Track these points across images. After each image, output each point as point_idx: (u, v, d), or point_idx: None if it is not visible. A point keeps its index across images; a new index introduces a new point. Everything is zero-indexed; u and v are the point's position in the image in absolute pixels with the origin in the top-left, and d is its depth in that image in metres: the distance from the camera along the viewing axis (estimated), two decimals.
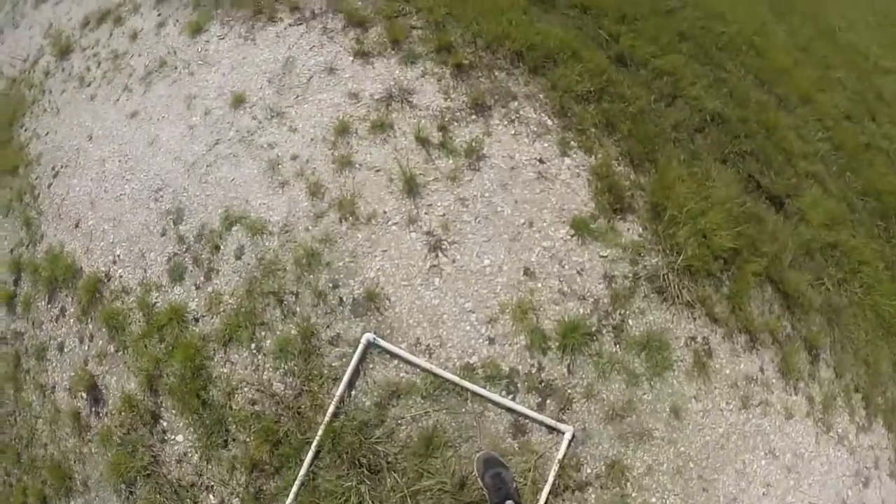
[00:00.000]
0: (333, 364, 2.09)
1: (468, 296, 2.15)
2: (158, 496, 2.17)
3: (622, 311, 2.17)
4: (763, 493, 2.15)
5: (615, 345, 2.12)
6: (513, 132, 2.51)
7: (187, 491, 2.15)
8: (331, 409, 2.01)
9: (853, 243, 2.81)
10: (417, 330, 2.11)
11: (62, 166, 3.23)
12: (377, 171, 2.40)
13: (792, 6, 4.61)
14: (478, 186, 2.35)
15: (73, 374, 2.55)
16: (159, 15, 3.43)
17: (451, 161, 2.40)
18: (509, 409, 2.01)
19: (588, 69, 2.68)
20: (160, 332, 2.34)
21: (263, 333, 2.20)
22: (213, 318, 2.29)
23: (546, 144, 2.50)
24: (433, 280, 2.18)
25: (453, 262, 2.21)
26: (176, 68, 3.09)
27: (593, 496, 1.96)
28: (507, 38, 2.68)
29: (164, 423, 2.27)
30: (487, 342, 2.08)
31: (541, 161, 2.43)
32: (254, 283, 2.27)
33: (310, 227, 2.31)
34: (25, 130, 3.67)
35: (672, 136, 2.70)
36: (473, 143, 2.43)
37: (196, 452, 2.17)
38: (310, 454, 1.98)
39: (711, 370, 2.19)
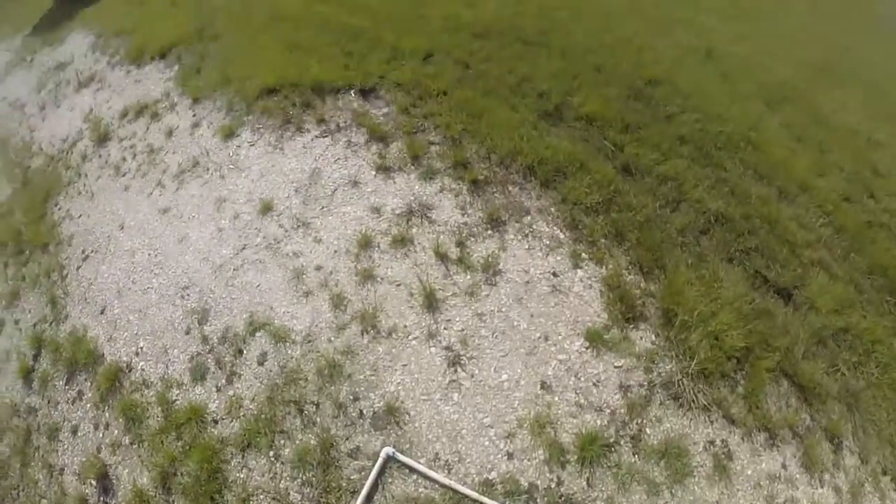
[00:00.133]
0: (352, 477, 2.10)
1: (486, 410, 2.18)
2: None
3: (639, 421, 2.18)
4: None
5: (634, 455, 2.12)
6: (527, 246, 2.62)
7: None
8: None
9: (864, 325, 2.81)
10: (437, 445, 2.13)
11: (92, 251, 3.34)
12: (398, 285, 2.49)
13: (784, 97, 4.86)
14: (495, 301, 2.44)
15: (84, 459, 2.54)
16: (194, 115, 3.67)
17: (468, 276, 2.50)
18: None
19: (596, 180, 2.83)
20: (178, 429, 2.36)
21: (283, 441, 2.21)
22: (232, 421, 2.32)
23: (559, 257, 2.60)
24: (452, 395, 2.22)
25: (472, 376, 2.26)
26: (208, 170, 3.27)
27: None
28: (519, 152, 2.86)
29: None
30: (506, 457, 2.09)
31: (554, 274, 2.53)
32: (275, 391, 2.31)
33: (332, 339, 2.38)
34: (59, 209, 3.82)
35: (679, 241, 2.81)
36: (490, 259, 2.54)
37: None
38: None
39: (733, 472, 2.17)
